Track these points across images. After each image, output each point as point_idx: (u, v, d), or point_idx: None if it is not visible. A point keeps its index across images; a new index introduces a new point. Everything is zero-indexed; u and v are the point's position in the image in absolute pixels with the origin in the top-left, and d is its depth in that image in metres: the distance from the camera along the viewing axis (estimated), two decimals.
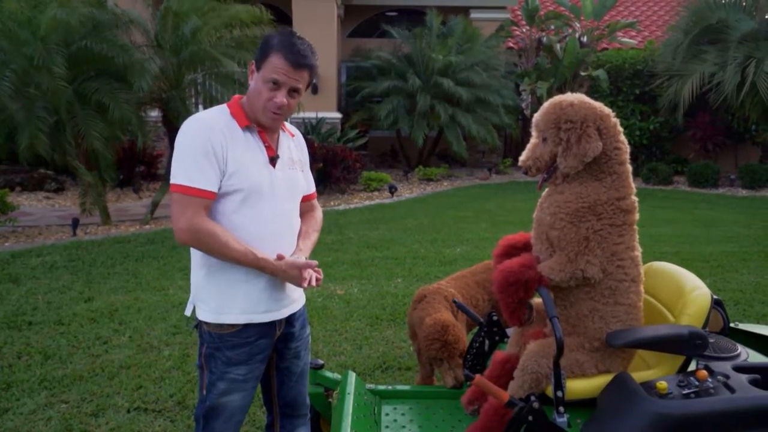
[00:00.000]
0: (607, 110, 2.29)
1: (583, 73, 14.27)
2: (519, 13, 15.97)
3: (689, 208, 10.73)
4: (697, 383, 2.04)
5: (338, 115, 14.13)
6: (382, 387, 2.82)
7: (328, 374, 2.84)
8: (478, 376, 2.24)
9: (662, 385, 2.03)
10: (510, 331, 2.73)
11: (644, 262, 2.39)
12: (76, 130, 8.14)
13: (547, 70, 14.61)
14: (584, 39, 14.87)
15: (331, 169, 11.53)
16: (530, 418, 2.10)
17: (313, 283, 2.06)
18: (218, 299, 2.06)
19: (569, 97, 2.29)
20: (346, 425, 2.33)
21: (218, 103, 9.71)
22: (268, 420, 2.40)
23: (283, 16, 14.15)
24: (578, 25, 15.16)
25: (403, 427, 2.54)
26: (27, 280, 6.00)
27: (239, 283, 2.05)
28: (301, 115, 11.87)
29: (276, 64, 1.98)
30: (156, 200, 9.38)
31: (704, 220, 9.43)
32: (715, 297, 2.38)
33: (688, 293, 2.28)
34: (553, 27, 15.24)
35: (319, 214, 2.38)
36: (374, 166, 15.02)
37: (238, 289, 2.06)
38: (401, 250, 7.29)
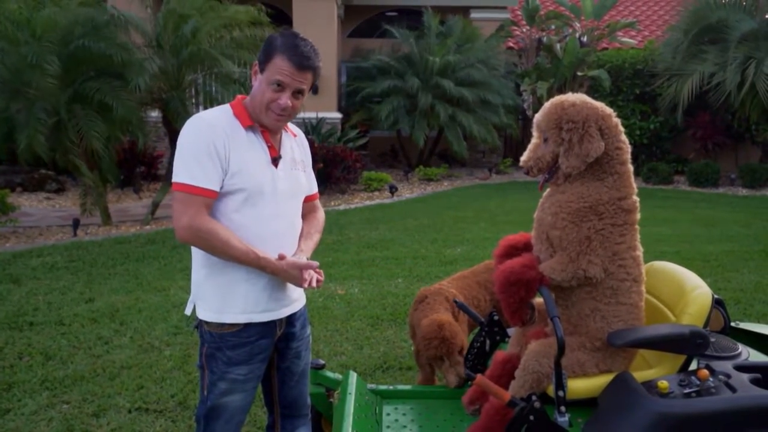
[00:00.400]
0: (609, 110, 2.29)
1: (579, 74, 14.26)
2: (519, 13, 15.96)
3: (689, 207, 10.72)
4: (698, 382, 2.04)
5: (338, 115, 14.14)
6: (383, 387, 2.81)
7: (329, 374, 2.84)
8: (479, 376, 2.24)
9: (663, 384, 2.03)
10: (511, 330, 2.74)
11: (645, 262, 2.39)
12: (76, 130, 8.14)
13: (547, 70, 14.60)
14: (584, 39, 14.85)
15: (331, 169, 11.53)
16: (531, 417, 2.10)
17: (314, 284, 2.06)
18: (219, 298, 2.06)
19: (571, 97, 2.29)
20: (347, 425, 2.33)
21: (218, 103, 9.72)
22: (269, 420, 2.41)
23: (283, 16, 14.15)
24: (578, 24, 15.15)
25: (405, 427, 2.54)
26: (28, 280, 6.00)
27: (240, 282, 2.05)
28: (302, 115, 11.88)
29: (280, 65, 1.98)
30: (156, 200, 9.38)
31: (704, 220, 9.43)
32: (715, 296, 2.38)
33: (689, 293, 2.29)
34: (553, 27, 15.22)
35: (321, 214, 2.38)
36: (374, 166, 15.01)
37: (239, 289, 2.06)
38: (402, 250, 7.29)
